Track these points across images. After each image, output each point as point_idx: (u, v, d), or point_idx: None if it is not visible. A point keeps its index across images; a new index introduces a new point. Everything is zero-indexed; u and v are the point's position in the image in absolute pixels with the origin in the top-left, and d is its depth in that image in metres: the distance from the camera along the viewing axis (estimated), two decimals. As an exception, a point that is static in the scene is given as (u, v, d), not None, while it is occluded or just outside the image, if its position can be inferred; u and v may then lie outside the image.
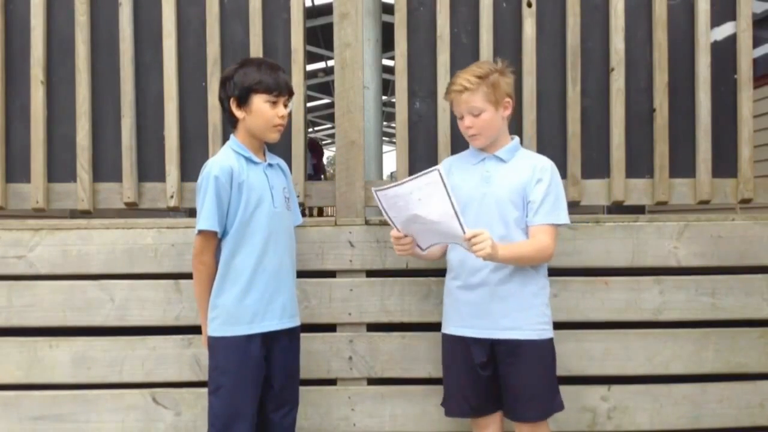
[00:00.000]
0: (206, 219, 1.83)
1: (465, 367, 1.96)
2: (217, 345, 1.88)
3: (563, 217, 1.92)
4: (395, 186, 1.76)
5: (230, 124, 1.96)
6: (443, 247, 2.03)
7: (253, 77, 1.87)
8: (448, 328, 2.02)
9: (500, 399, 1.97)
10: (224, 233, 1.87)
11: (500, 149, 1.97)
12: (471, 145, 2.02)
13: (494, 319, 1.91)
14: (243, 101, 1.88)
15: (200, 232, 1.85)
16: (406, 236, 1.87)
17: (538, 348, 1.91)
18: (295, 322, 1.99)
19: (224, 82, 1.92)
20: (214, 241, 1.87)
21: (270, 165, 1.97)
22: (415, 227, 1.83)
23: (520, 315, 1.91)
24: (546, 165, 1.95)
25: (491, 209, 1.92)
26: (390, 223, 1.86)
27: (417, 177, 1.72)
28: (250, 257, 1.86)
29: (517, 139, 2.02)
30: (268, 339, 1.89)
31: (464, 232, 1.72)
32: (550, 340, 1.95)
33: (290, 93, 1.94)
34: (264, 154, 1.97)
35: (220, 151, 1.94)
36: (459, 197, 1.85)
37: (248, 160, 1.90)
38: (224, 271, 1.87)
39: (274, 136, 1.93)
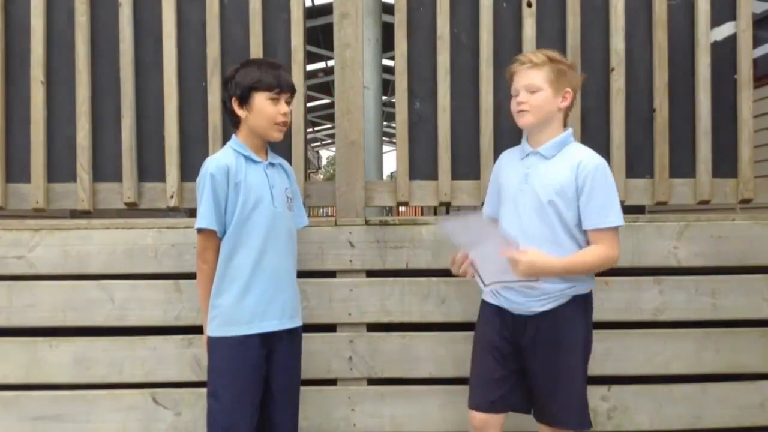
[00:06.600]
0: (203, 218, 1.83)
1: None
2: (215, 345, 1.87)
3: (613, 219, 1.78)
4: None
5: (232, 124, 1.96)
6: None
7: (253, 76, 1.88)
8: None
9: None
10: (223, 232, 1.86)
11: (544, 144, 1.86)
12: (518, 123, 1.89)
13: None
14: (244, 100, 1.88)
15: (199, 231, 1.86)
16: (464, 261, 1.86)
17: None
18: (296, 323, 1.97)
19: (226, 83, 1.93)
20: (214, 239, 1.87)
21: (271, 164, 1.96)
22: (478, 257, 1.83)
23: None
24: (588, 164, 1.79)
25: (528, 208, 1.85)
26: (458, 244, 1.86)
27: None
28: (249, 257, 1.85)
29: (568, 131, 1.88)
30: (269, 340, 1.88)
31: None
32: None
33: (292, 90, 1.95)
34: (266, 154, 1.97)
35: (221, 150, 1.94)
36: (504, 194, 1.92)
37: (247, 158, 1.89)
38: (223, 270, 1.86)
39: (276, 135, 1.92)
